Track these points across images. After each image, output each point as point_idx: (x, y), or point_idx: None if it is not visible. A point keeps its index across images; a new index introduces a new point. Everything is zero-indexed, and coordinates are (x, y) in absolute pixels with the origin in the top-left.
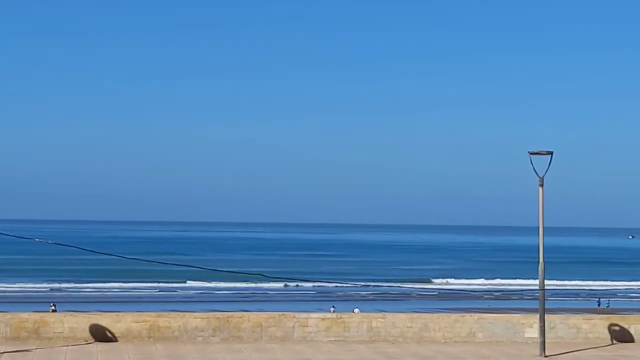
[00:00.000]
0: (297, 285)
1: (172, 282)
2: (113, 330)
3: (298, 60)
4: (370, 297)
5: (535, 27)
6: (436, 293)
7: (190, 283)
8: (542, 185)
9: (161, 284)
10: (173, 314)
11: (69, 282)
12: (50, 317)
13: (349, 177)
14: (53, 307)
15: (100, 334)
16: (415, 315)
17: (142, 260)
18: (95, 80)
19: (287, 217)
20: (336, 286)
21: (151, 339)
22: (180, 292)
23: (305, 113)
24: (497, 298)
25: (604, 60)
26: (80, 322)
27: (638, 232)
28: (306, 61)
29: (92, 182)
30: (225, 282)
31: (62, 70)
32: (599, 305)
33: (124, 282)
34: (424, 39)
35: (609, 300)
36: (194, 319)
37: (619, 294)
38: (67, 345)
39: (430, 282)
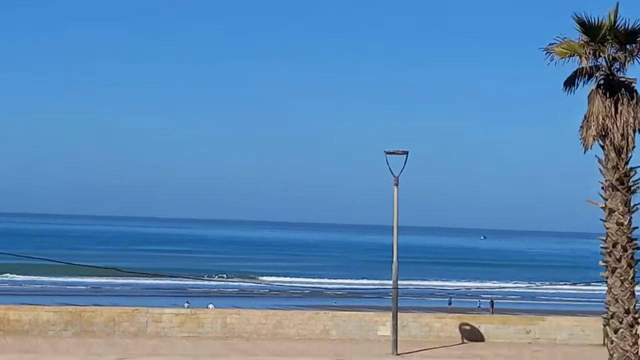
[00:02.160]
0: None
1: (22, 275)
2: None
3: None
4: (226, 294)
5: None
6: (299, 291)
7: (41, 278)
8: (397, 185)
9: (12, 277)
10: (24, 307)
11: None
12: None
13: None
14: None
15: None
16: (270, 312)
17: None
18: None
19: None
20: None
21: (1, 333)
22: (31, 286)
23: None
24: (350, 296)
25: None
26: None
27: (490, 233)
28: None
29: None
30: (79, 276)
31: None
32: (449, 304)
33: None
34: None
35: (450, 299)
36: (46, 313)
37: (469, 294)
38: None
39: (284, 278)
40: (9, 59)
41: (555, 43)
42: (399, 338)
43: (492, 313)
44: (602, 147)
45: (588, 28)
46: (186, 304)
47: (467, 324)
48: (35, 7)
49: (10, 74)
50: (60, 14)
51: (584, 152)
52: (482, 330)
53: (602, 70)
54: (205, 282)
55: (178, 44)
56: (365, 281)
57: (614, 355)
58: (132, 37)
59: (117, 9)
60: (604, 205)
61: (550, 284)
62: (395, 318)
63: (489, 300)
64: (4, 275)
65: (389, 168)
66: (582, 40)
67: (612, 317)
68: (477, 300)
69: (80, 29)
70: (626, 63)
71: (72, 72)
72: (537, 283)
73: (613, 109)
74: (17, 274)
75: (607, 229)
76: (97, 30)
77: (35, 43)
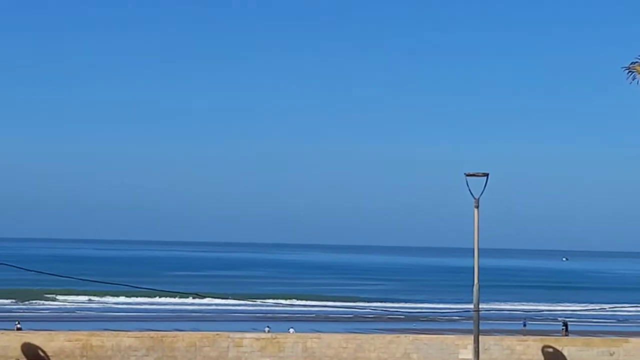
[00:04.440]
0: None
1: (105, 297)
2: (45, 349)
3: None
4: (306, 317)
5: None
6: (378, 314)
7: (123, 299)
8: (477, 207)
9: (94, 300)
10: (106, 332)
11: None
12: None
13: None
14: (18, 326)
15: (33, 353)
16: (351, 335)
17: (72, 278)
18: None
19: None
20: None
21: (84, 358)
22: (114, 308)
23: None
24: (432, 320)
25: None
26: (12, 340)
27: (571, 254)
28: None
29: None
30: (159, 299)
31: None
32: (524, 326)
33: (57, 299)
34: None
35: (525, 320)
36: (128, 338)
37: (549, 316)
38: None
39: (364, 302)
40: None
41: (637, 62)
42: None
43: (566, 335)
44: None
45: None
46: (267, 329)
47: (549, 347)
48: None
49: None
50: None
51: None
52: (564, 352)
53: None
54: (287, 307)
55: None
56: (442, 305)
57: None
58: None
59: None
60: None
61: (634, 306)
62: (476, 341)
63: (562, 322)
64: (86, 300)
65: (469, 190)
66: None
67: None
68: (559, 322)
69: None
70: None
71: None
72: (620, 305)
73: None
74: (100, 299)
75: None
76: None
77: None
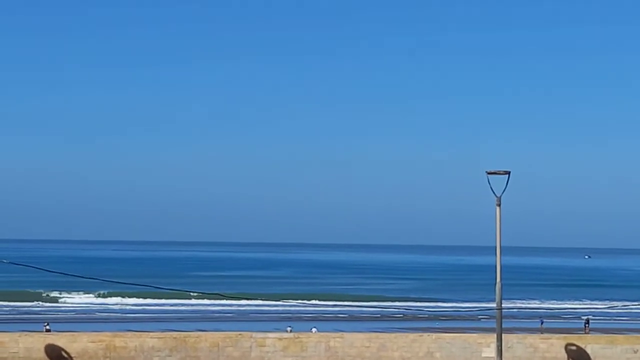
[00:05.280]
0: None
1: (126, 299)
2: (69, 351)
3: None
4: (328, 317)
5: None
6: (400, 314)
7: (145, 300)
8: (499, 205)
9: (119, 302)
10: (129, 333)
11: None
12: (5, 336)
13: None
14: (47, 327)
15: (56, 355)
16: (373, 335)
17: (94, 279)
18: None
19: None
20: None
21: (107, 359)
22: (136, 309)
23: None
24: (454, 318)
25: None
26: (35, 342)
27: (594, 252)
28: None
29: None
30: (181, 299)
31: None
32: (541, 324)
33: (79, 297)
34: None
35: (542, 319)
36: (151, 339)
37: (571, 314)
38: None
39: (387, 302)
40: None
41: None
42: (503, 359)
43: (587, 332)
44: None
45: None
46: (289, 328)
47: (573, 344)
48: None
49: None
50: None
51: None
52: (588, 350)
53: None
54: (309, 307)
55: None
56: (465, 304)
57: None
58: None
59: None
60: None
61: None
62: (499, 339)
63: (585, 320)
64: (106, 302)
65: (491, 188)
66: None
67: None
68: (582, 320)
69: None
70: None
71: None
72: None
73: None
74: (121, 300)
75: None
76: None
77: None
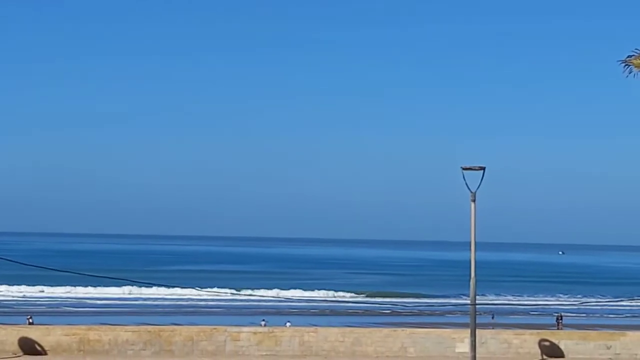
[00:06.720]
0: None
1: (102, 291)
2: (42, 344)
3: None
4: (303, 312)
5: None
6: (375, 309)
7: (120, 293)
8: (474, 200)
9: (94, 295)
10: (104, 327)
11: None
12: None
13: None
14: (30, 320)
15: (29, 348)
16: (348, 329)
17: (69, 272)
18: None
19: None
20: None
21: (81, 353)
22: (111, 303)
23: None
24: (428, 314)
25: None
26: (9, 335)
27: (568, 248)
28: None
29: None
30: (156, 293)
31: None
32: (492, 318)
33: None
34: None
35: (493, 314)
36: (125, 333)
37: (546, 311)
38: None
39: (361, 296)
40: None
41: (633, 55)
42: (477, 355)
43: (560, 328)
44: None
45: None
46: (263, 322)
47: (546, 340)
48: None
49: None
50: None
51: None
52: (561, 346)
53: None
54: (284, 301)
55: None
56: (439, 299)
57: None
58: None
59: None
60: None
61: (630, 299)
62: (473, 335)
63: (557, 315)
64: (82, 295)
65: (466, 184)
66: None
67: None
68: (554, 316)
69: None
70: None
71: None
72: (617, 299)
73: None
74: (96, 294)
75: None
76: None
77: None
